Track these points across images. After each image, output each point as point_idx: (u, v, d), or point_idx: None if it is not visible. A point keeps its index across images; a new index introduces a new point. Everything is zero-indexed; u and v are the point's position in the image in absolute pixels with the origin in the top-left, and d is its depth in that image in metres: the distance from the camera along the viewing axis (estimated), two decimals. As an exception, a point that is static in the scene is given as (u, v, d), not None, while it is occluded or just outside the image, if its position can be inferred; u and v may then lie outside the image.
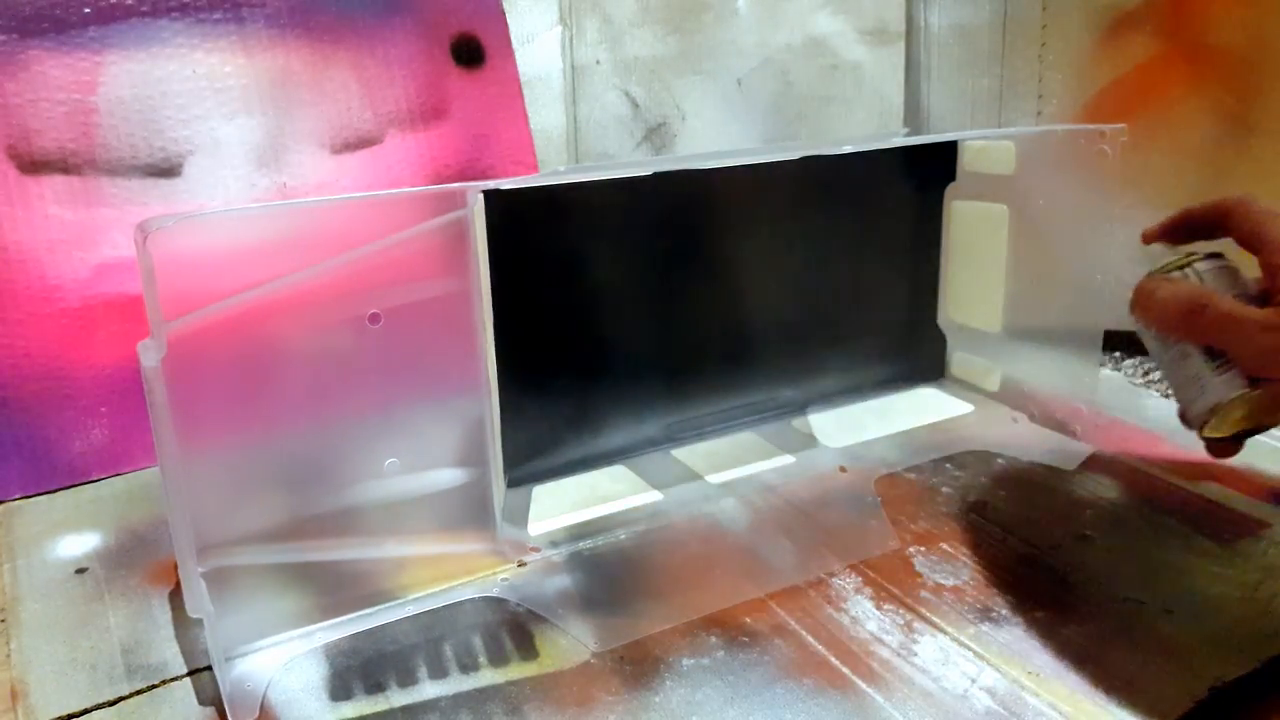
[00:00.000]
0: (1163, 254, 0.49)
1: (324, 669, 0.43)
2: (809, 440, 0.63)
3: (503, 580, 0.49)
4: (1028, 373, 0.66)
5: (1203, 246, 0.48)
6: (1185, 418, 0.48)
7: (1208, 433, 0.47)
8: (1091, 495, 0.56)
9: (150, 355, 0.38)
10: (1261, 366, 0.43)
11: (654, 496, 0.57)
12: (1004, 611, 0.46)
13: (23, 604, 0.48)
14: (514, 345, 0.56)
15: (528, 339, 0.56)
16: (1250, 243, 0.45)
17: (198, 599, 0.39)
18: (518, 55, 0.74)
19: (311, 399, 0.44)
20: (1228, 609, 0.45)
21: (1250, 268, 0.46)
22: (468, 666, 0.43)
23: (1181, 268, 0.46)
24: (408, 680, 0.42)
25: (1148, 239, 0.50)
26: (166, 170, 0.62)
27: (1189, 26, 0.71)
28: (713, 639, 0.44)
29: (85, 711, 0.41)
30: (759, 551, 0.51)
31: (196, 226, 0.40)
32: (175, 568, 0.41)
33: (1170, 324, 0.45)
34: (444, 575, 0.48)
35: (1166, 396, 0.69)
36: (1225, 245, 0.47)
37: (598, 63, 0.79)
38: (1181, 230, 0.49)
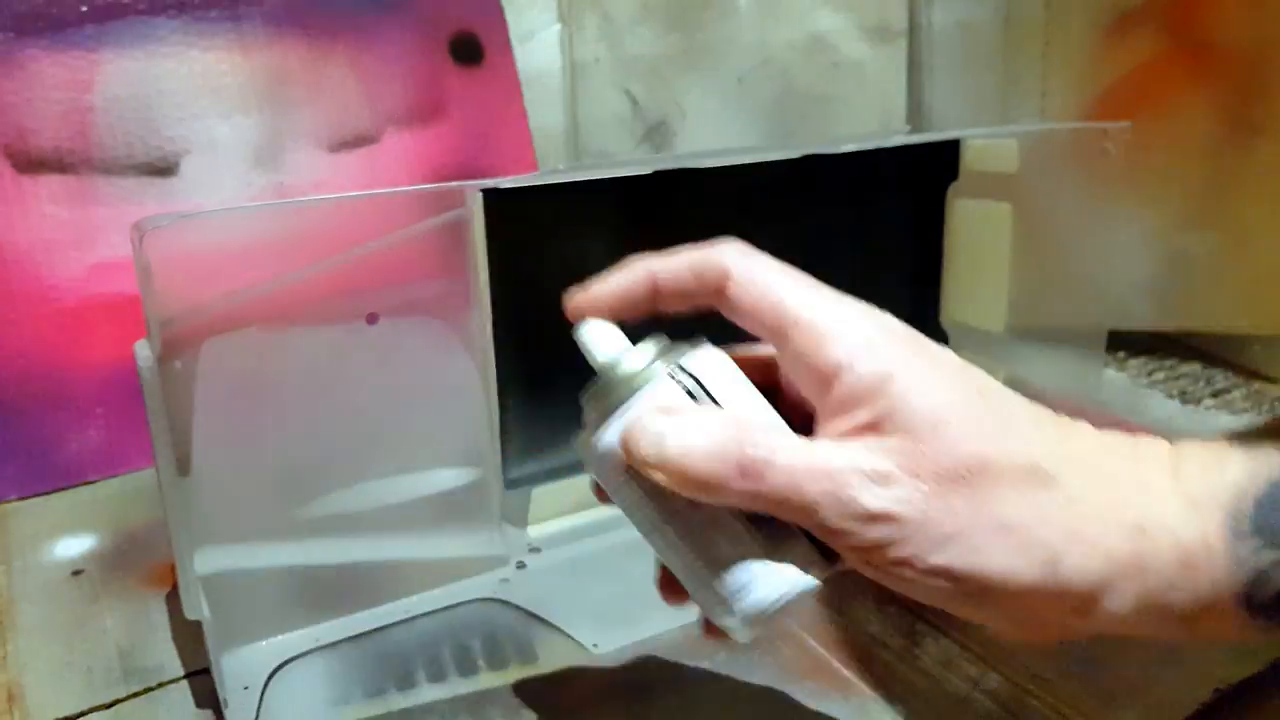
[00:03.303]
0: (607, 343, 0.31)
1: (322, 671, 0.43)
2: (810, 440, 0.63)
3: (502, 581, 0.49)
4: (1031, 372, 0.66)
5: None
6: (717, 616, 0.30)
7: (747, 634, 0.30)
8: (1094, 496, 0.56)
9: (146, 355, 0.37)
10: (869, 547, 0.27)
11: (654, 497, 0.56)
12: (1007, 613, 0.45)
13: (18, 606, 0.48)
14: (513, 345, 0.55)
15: (527, 338, 0.56)
16: (767, 324, 0.29)
17: (195, 601, 0.39)
18: (516, 53, 0.74)
19: (309, 399, 0.43)
20: (1232, 611, 0.45)
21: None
22: (467, 668, 0.42)
23: (663, 374, 0.29)
24: (406, 683, 0.42)
25: (576, 311, 0.32)
26: (163, 169, 0.62)
27: (1193, 25, 0.71)
28: (713, 641, 0.44)
29: (82, 714, 0.41)
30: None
31: (193, 226, 0.40)
32: (172, 569, 0.41)
33: (704, 490, 0.28)
34: (443, 576, 0.48)
35: (1171, 397, 0.69)
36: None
37: (597, 61, 0.79)
38: (641, 300, 0.32)
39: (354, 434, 0.45)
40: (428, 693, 0.41)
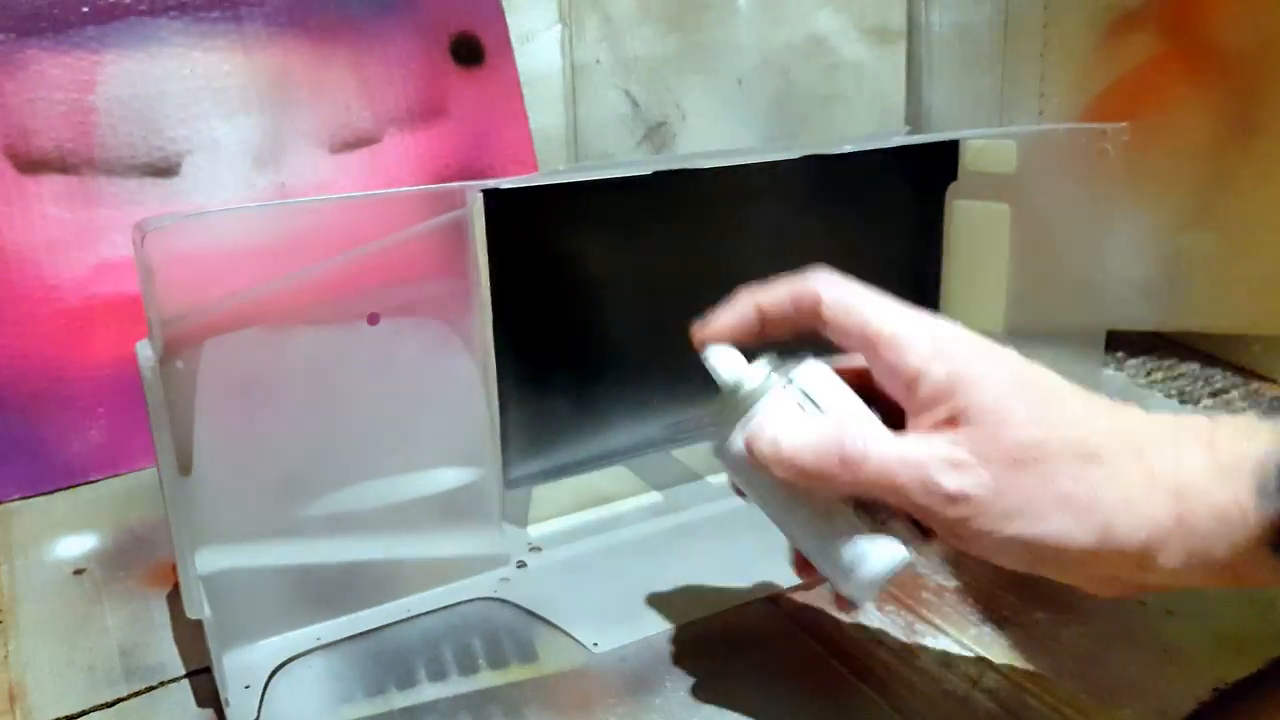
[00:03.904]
0: (729, 364, 0.36)
1: (323, 670, 0.43)
2: (810, 440, 0.63)
3: (502, 580, 0.49)
4: (1029, 372, 0.66)
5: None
6: (844, 588, 0.36)
7: (865, 599, 0.36)
8: (1093, 495, 0.56)
9: (148, 355, 0.38)
10: (952, 522, 0.32)
11: (654, 497, 0.57)
12: (1006, 613, 0.46)
13: (20, 605, 0.48)
14: (513, 345, 0.55)
15: (527, 339, 0.56)
16: (856, 340, 0.35)
17: (196, 600, 0.39)
18: (517, 54, 0.74)
19: (310, 399, 0.43)
20: (1230, 610, 0.45)
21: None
22: (467, 668, 0.43)
23: (776, 387, 0.35)
24: (407, 682, 0.42)
25: (701, 342, 0.38)
26: (165, 170, 0.62)
27: (1192, 26, 0.71)
28: (713, 640, 0.44)
29: (83, 713, 0.41)
30: (759, 553, 0.51)
31: (195, 226, 0.40)
32: (174, 569, 0.41)
33: (815, 481, 0.34)
34: (444, 576, 0.48)
35: (1170, 397, 0.69)
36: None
37: (597, 62, 0.79)
38: (754, 328, 0.37)
39: (355, 433, 0.45)
40: (428, 691, 0.41)
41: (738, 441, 0.35)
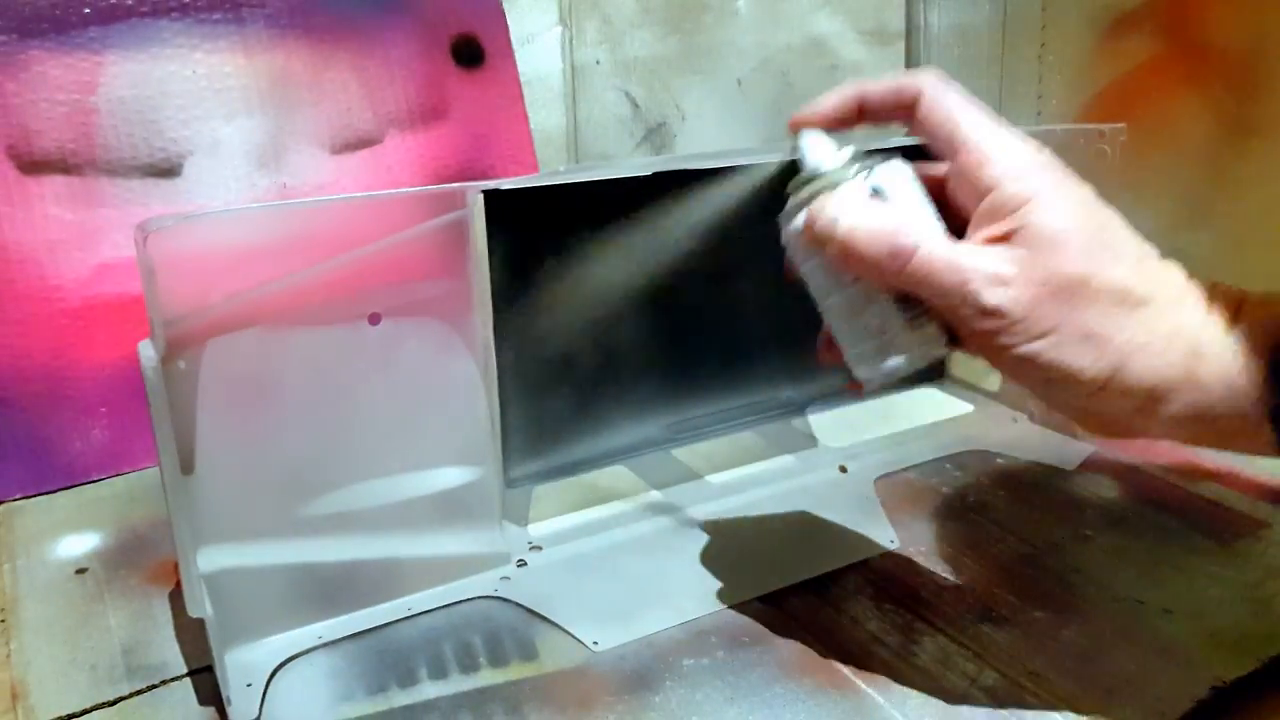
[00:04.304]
0: (818, 149, 0.38)
1: (324, 669, 0.43)
2: (809, 440, 0.63)
3: (503, 580, 0.49)
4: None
5: (869, 132, 0.39)
6: (856, 369, 0.38)
7: (876, 385, 0.38)
8: (1091, 495, 0.56)
9: (150, 355, 0.38)
10: (980, 333, 0.34)
11: (654, 496, 0.57)
12: (1004, 612, 0.46)
13: (23, 604, 0.48)
14: (513, 345, 0.56)
15: (527, 339, 0.56)
16: (943, 143, 0.36)
17: (198, 599, 0.39)
18: (517, 55, 0.74)
19: (311, 399, 0.44)
20: (1228, 609, 0.45)
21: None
22: (468, 666, 0.43)
23: (854, 176, 0.36)
24: (408, 680, 0.42)
25: (800, 123, 0.38)
26: (166, 170, 0.62)
27: (1189, 27, 0.71)
28: (713, 639, 0.44)
29: (85, 711, 0.41)
30: (759, 551, 0.51)
31: (196, 227, 0.40)
32: (175, 568, 0.41)
33: (862, 266, 0.35)
34: (444, 574, 0.48)
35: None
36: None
37: (597, 63, 0.79)
38: (853, 115, 0.38)
39: (356, 433, 0.45)
40: (429, 690, 0.41)
41: (800, 218, 0.37)
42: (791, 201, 0.38)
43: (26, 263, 0.59)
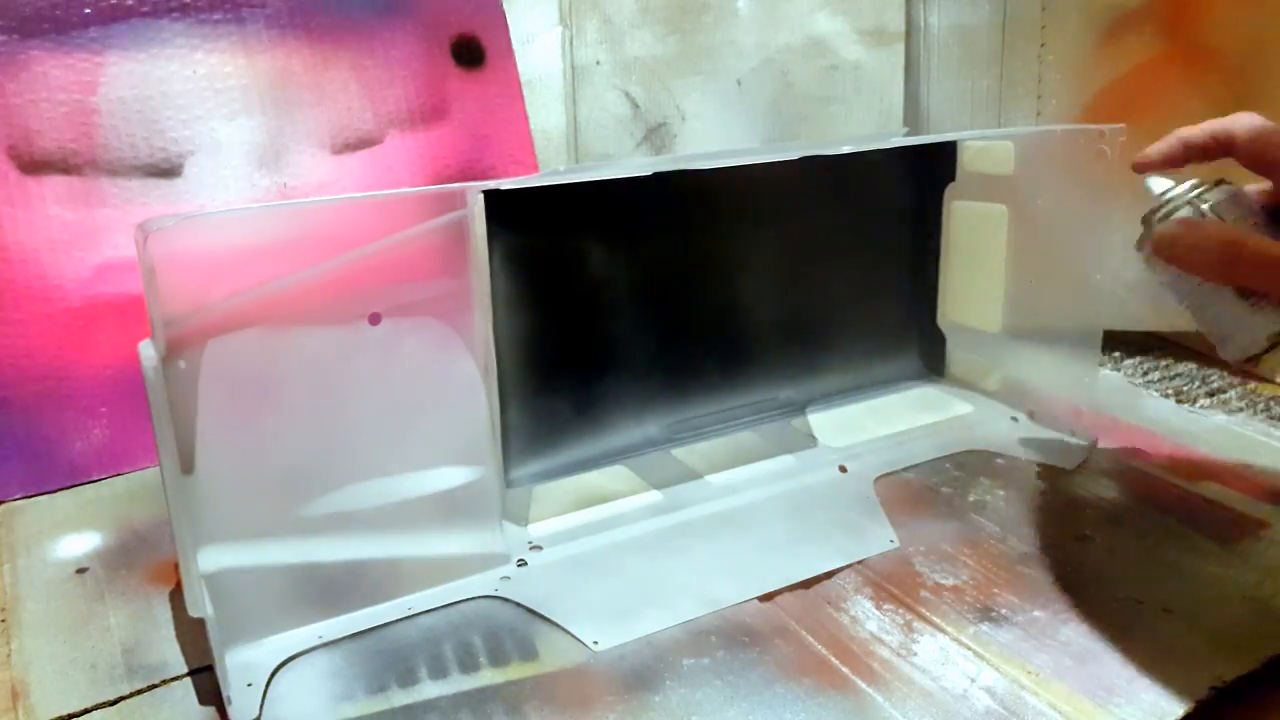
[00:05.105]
0: (1160, 185, 0.48)
1: (325, 668, 0.43)
2: (809, 440, 0.63)
3: (503, 580, 0.49)
4: (1027, 372, 0.66)
5: (1200, 171, 0.47)
6: (1220, 351, 0.48)
7: (1260, 369, 0.49)
8: (1091, 495, 0.56)
9: (150, 355, 0.38)
10: None
11: (654, 496, 0.57)
12: (1003, 611, 0.46)
13: (23, 604, 0.48)
14: (514, 345, 0.56)
15: (527, 339, 0.57)
16: (1263, 167, 0.45)
17: (198, 598, 0.39)
18: (518, 56, 0.74)
19: (311, 399, 0.44)
20: (1228, 609, 0.46)
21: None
22: (468, 666, 0.43)
23: (1191, 202, 0.46)
24: (408, 680, 0.42)
25: (1142, 168, 0.48)
26: (167, 170, 0.62)
27: (1189, 27, 0.71)
28: (712, 638, 0.44)
29: (86, 711, 0.41)
30: (758, 551, 0.51)
31: (197, 227, 0.40)
32: (176, 567, 0.41)
33: (1204, 269, 0.45)
34: (444, 575, 0.48)
35: (1166, 396, 0.69)
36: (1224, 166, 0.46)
37: (598, 63, 0.79)
38: (1179, 157, 0.47)
39: (356, 433, 0.45)
40: (429, 689, 0.41)
41: (1157, 236, 0.47)
42: (1145, 229, 0.47)
43: (27, 263, 0.59)
